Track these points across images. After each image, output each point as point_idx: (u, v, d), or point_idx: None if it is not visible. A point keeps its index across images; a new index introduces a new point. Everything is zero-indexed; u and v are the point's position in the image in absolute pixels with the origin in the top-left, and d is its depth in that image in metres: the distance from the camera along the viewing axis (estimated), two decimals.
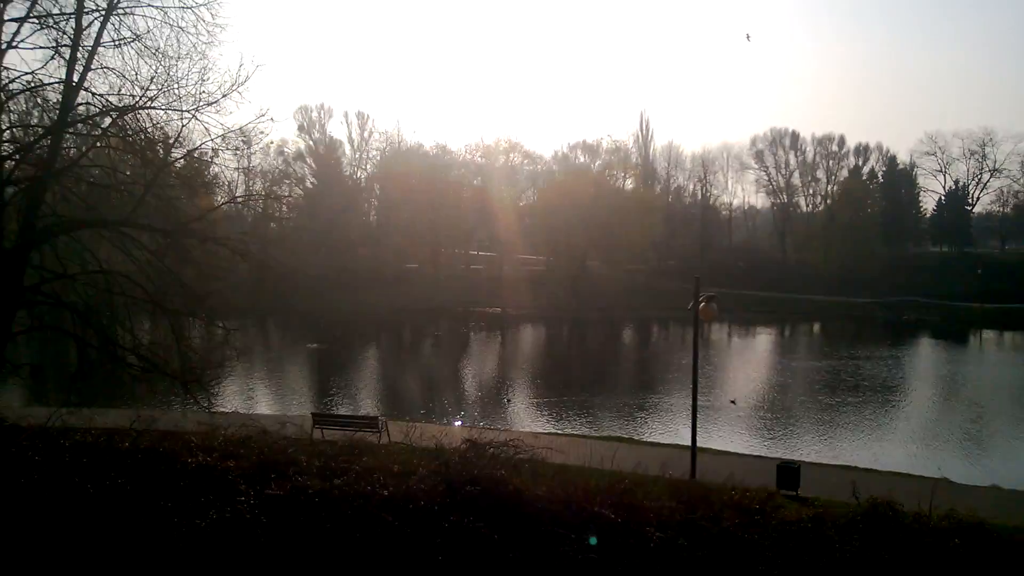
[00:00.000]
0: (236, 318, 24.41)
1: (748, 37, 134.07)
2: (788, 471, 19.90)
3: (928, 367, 57.89)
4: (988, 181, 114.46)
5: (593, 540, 11.87)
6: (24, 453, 15.54)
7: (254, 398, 39.72)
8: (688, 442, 21.69)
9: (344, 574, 12.00)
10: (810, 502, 16.06)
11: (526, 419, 35.76)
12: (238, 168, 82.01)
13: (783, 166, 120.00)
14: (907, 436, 34.07)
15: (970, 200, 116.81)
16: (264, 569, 12.06)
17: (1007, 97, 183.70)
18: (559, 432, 30.78)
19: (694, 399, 21.33)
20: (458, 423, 32.27)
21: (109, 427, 19.04)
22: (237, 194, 76.94)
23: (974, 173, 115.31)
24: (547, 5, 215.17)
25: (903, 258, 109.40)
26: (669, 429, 33.23)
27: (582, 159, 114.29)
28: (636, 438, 30.27)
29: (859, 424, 36.13)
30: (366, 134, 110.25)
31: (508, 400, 41.10)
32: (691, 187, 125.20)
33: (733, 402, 38.90)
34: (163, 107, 20.57)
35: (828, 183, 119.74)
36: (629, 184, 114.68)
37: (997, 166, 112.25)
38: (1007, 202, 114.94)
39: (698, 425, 32.56)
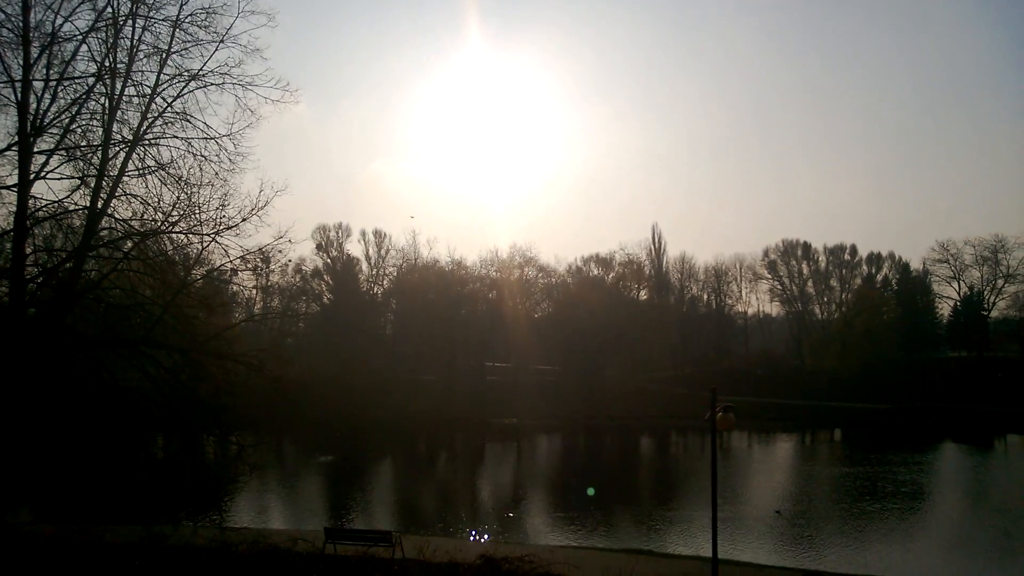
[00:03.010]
0: (250, 432, 24.43)
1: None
2: None
3: (953, 473, 56.47)
4: (1003, 287, 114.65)
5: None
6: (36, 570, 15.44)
7: (267, 512, 39.23)
8: (710, 553, 21.10)
9: None
10: None
11: (543, 532, 34.94)
12: (256, 286, 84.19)
13: (796, 276, 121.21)
14: (935, 545, 33.06)
15: (986, 306, 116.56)
16: None
17: (1016, 203, 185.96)
18: (576, 545, 30.00)
19: (714, 510, 20.88)
20: (473, 537, 31.54)
21: (119, 543, 18.86)
22: (255, 311, 78.72)
23: (988, 279, 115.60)
24: (558, 122, 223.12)
25: (921, 364, 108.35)
26: (690, 541, 32.32)
27: (596, 272, 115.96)
28: (655, 550, 29.46)
29: (885, 532, 35.05)
30: (383, 251, 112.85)
31: (524, 513, 40.24)
32: (705, 297, 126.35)
33: (778, 512, 38.11)
34: (184, 231, 21.31)
35: (842, 291, 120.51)
36: (643, 295, 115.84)
37: (1011, 272, 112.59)
38: (1023, 307, 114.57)
39: (722, 536, 31.97)
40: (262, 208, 21.04)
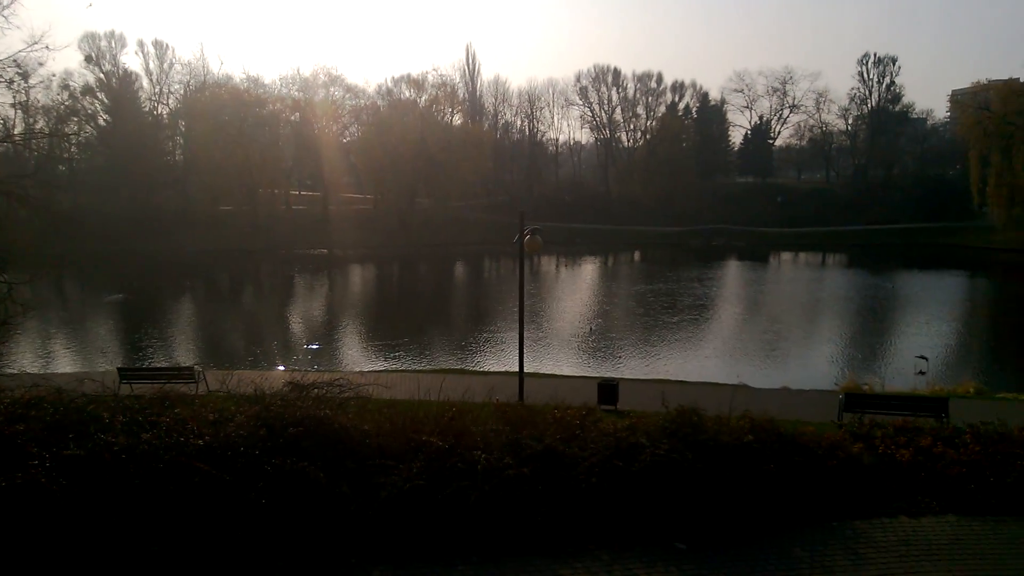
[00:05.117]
0: (21, 270, 21.89)
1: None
2: (607, 388, 20.86)
3: (734, 287, 62.71)
4: (788, 116, 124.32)
5: None
6: None
7: (50, 357, 36.12)
8: (517, 368, 22.13)
9: (159, 527, 11.23)
10: (626, 414, 16.91)
11: (357, 359, 35.19)
12: (15, 104, 73.52)
13: (606, 102, 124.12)
14: (715, 349, 36.85)
15: (772, 134, 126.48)
16: (64, 531, 11.04)
17: (805, 36, 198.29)
18: (387, 369, 30.55)
19: (520, 326, 21.68)
20: (282, 368, 31.15)
21: None
22: (16, 133, 69.38)
23: (776, 109, 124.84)
24: None
25: (714, 189, 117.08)
26: (503, 359, 33.88)
27: (407, 94, 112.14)
28: (468, 368, 30.71)
29: (674, 341, 38.61)
30: (166, 65, 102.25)
31: (337, 342, 40.18)
32: (518, 123, 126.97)
33: (591, 329, 40.56)
34: None
35: (648, 119, 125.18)
36: (457, 120, 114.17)
37: (795, 102, 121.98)
38: (803, 136, 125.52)
39: (536, 353, 33.82)
40: (7, 7, 17.79)
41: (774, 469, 12.01)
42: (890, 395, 21.17)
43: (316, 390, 15.57)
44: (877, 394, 21.89)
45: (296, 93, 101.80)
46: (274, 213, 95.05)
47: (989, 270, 73.04)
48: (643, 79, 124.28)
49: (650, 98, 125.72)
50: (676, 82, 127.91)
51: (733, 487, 11.48)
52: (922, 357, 32.34)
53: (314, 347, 37.60)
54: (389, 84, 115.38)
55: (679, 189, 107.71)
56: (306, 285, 67.03)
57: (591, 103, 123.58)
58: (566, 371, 30.36)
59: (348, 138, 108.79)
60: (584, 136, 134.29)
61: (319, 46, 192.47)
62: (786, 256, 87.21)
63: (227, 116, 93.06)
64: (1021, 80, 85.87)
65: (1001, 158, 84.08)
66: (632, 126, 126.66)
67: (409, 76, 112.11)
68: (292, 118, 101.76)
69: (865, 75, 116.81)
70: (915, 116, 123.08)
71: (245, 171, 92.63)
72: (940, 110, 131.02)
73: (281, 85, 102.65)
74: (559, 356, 34.85)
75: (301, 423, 13.25)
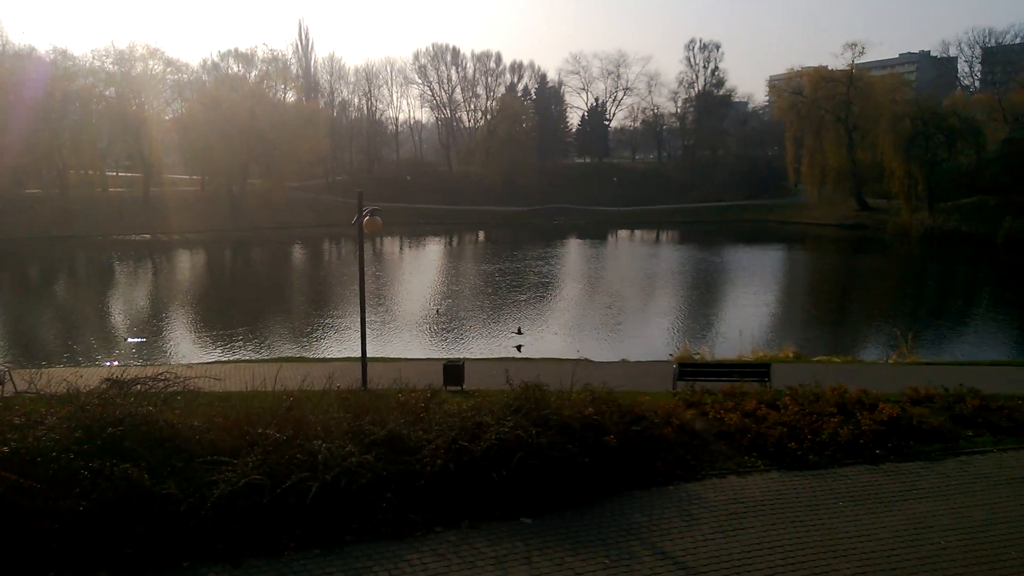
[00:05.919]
0: None
1: None
2: (453, 369, 20.74)
3: (576, 264, 64.63)
4: (622, 99, 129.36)
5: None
6: None
7: None
8: (359, 354, 21.51)
9: None
10: (472, 394, 16.87)
11: (186, 352, 32.98)
12: None
13: (445, 81, 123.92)
14: (557, 325, 37.73)
15: (607, 116, 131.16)
16: None
17: (637, 20, 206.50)
18: (219, 360, 28.88)
19: (362, 309, 21.08)
20: (106, 364, 28.69)
21: None
22: None
23: (611, 91, 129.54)
24: None
25: (553, 169, 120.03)
26: (343, 345, 32.99)
27: (236, 69, 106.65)
28: (308, 356, 29.66)
29: (521, 319, 39.15)
30: None
31: (163, 334, 37.47)
32: (356, 101, 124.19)
33: (437, 311, 40.12)
34: None
35: (488, 99, 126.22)
36: (291, 97, 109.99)
37: (629, 85, 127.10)
38: (637, 117, 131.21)
39: (381, 337, 33.15)
40: None
41: (614, 439, 12.37)
42: (719, 363, 22.44)
43: (138, 386, 14.42)
44: (707, 363, 23.18)
45: (111, 67, 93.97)
46: (88, 196, 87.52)
47: (804, 243, 79.61)
48: (482, 59, 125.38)
49: (489, 78, 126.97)
50: (515, 63, 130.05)
51: (576, 459, 11.71)
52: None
53: (137, 340, 34.95)
54: (215, 59, 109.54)
55: (520, 169, 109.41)
56: (127, 273, 62.20)
57: (430, 82, 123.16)
58: (413, 354, 29.94)
59: (171, 115, 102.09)
60: (425, 115, 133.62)
61: (136, 18, 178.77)
62: (623, 234, 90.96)
63: (30, 91, 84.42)
64: (829, 67, 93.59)
65: (813, 140, 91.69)
66: (472, 106, 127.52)
67: (237, 50, 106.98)
68: (107, 93, 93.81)
69: (692, 60, 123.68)
70: (737, 100, 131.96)
71: (54, 150, 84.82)
72: (760, 95, 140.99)
73: (93, 58, 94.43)
74: (405, 339, 34.41)
75: (121, 422, 12.25)
